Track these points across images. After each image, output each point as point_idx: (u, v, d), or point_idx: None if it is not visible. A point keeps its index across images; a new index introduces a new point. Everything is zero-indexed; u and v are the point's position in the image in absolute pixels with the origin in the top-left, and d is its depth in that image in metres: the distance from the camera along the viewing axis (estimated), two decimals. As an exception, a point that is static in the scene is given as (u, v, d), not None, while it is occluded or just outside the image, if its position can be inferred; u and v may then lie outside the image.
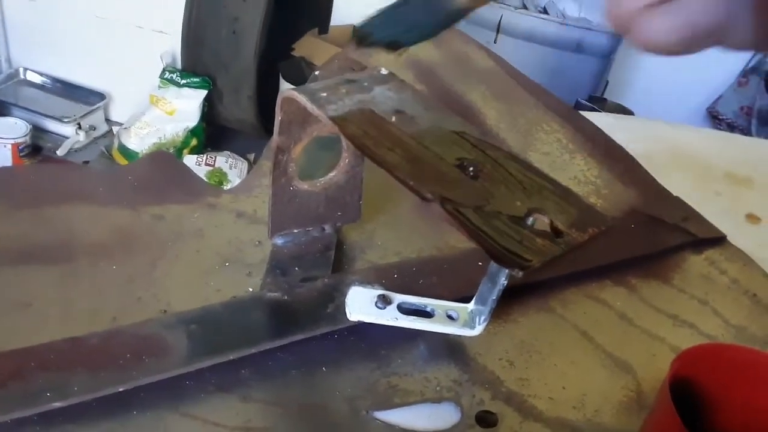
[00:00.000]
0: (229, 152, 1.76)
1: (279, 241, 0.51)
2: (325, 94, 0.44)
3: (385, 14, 0.40)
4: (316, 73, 0.70)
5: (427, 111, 0.45)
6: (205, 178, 1.25)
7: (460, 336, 0.46)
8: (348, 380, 0.42)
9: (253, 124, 1.77)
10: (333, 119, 0.41)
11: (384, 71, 0.49)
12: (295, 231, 0.51)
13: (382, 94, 0.46)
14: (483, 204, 0.37)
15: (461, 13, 0.36)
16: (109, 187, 0.56)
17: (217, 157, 1.70)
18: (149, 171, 0.59)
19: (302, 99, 0.43)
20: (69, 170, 0.68)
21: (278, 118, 0.45)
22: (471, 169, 0.40)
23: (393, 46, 0.40)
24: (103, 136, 1.84)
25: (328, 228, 0.53)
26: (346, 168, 0.51)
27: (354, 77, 0.47)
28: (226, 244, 0.52)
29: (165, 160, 0.61)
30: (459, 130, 0.43)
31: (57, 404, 0.37)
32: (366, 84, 0.46)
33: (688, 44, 0.26)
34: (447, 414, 0.42)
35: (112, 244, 0.50)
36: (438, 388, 0.43)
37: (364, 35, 0.40)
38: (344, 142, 0.49)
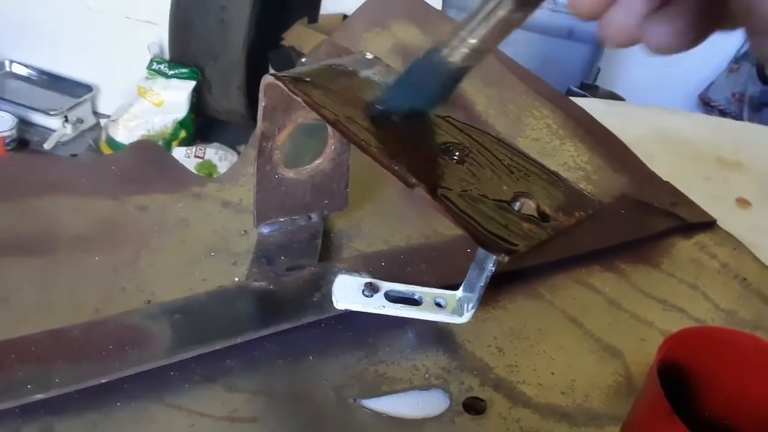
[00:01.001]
0: (218, 144, 1.74)
1: (265, 230, 0.50)
2: (308, 79, 0.43)
3: (395, 86, 0.41)
4: (303, 60, 0.70)
5: (413, 95, 0.45)
6: (194, 171, 1.24)
7: (448, 323, 0.45)
8: (335, 369, 0.42)
9: (243, 115, 1.76)
10: (315, 104, 0.40)
11: (369, 55, 0.48)
12: (281, 220, 0.50)
13: (367, 78, 0.45)
14: (468, 189, 0.37)
15: (462, 72, 0.36)
16: (91, 178, 0.55)
17: (207, 149, 1.68)
18: (133, 161, 0.58)
19: (284, 83, 0.42)
20: (50, 161, 0.67)
21: (262, 103, 0.44)
22: (456, 153, 0.39)
23: (408, 114, 0.41)
24: (91, 128, 1.82)
25: (314, 216, 0.52)
26: (332, 155, 0.50)
27: (339, 62, 0.46)
28: (211, 234, 0.51)
29: (149, 150, 0.60)
30: (444, 115, 0.43)
31: (38, 396, 0.36)
32: (351, 68, 0.46)
33: (697, 40, 0.26)
34: (435, 401, 0.41)
35: (95, 235, 0.50)
36: (426, 376, 0.42)
37: (379, 112, 0.40)
38: (329, 129, 0.49)
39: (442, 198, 0.36)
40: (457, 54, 0.35)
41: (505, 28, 0.33)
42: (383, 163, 0.38)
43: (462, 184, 0.37)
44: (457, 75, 0.37)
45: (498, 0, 0.33)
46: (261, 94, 0.44)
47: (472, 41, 0.34)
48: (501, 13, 0.33)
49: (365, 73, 0.46)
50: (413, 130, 0.41)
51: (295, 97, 0.42)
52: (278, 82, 0.42)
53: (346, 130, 0.39)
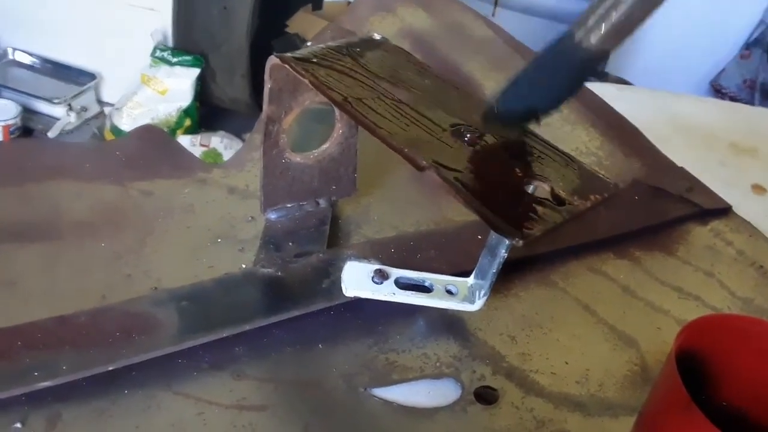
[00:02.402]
0: (224, 132, 1.73)
1: (272, 215, 0.49)
2: (315, 60, 0.42)
3: (515, 85, 0.36)
4: (309, 43, 0.68)
5: (422, 76, 0.44)
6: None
7: (459, 311, 0.45)
8: (344, 357, 0.41)
9: (248, 104, 1.74)
10: (321, 84, 0.39)
11: (377, 36, 0.47)
12: (289, 205, 0.49)
13: (375, 59, 0.44)
14: (480, 171, 0.36)
15: (598, 58, 0.32)
16: (95, 163, 0.54)
17: (212, 138, 1.67)
18: (137, 146, 0.57)
19: (290, 64, 0.41)
20: (53, 146, 0.66)
21: (267, 85, 0.43)
22: (468, 135, 0.38)
23: (529, 117, 0.36)
24: (95, 117, 1.81)
25: (322, 202, 0.51)
26: (340, 139, 0.49)
27: (346, 42, 0.45)
28: (217, 220, 0.51)
29: (154, 135, 0.59)
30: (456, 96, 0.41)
31: (45, 383, 0.36)
32: (358, 49, 0.45)
33: None
34: (447, 390, 0.41)
35: (100, 221, 0.49)
36: (437, 364, 0.42)
37: (496, 113, 0.36)
38: (337, 112, 0.48)
39: (453, 181, 0.35)
40: (594, 35, 0.31)
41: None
42: (392, 146, 0.37)
43: (473, 166, 0.36)
44: (592, 62, 0.33)
45: None
46: (266, 76, 0.43)
47: (615, 16, 0.30)
48: None
49: (373, 54, 0.45)
50: (424, 111, 0.40)
51: (301, 78, 0.41)
52: (284, 63, 0.41)
53: (353, 111, 0.38)
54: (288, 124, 0.46)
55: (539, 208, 0.35)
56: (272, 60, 0.42)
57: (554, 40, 0.34)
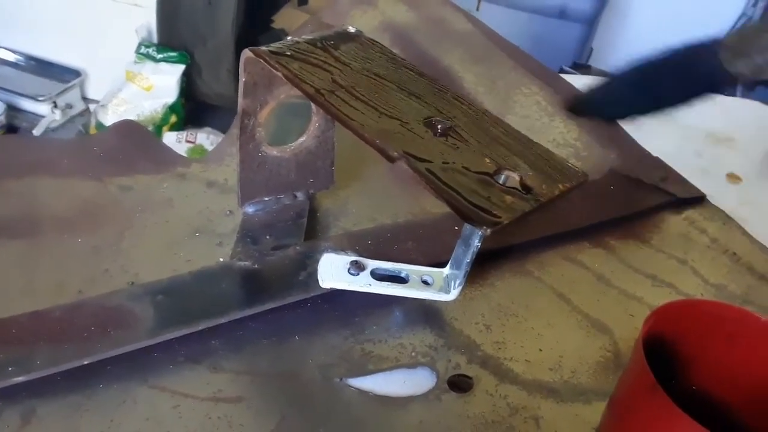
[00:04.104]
0: (210, 128, 1.72)
1: (250, 209, 0.49)
2: (289, 53, 0.43)
3: (610, 87, 0.36)
4: (289, 38, 0.68)
5: (396, 68, 0.44)
6: (186, 156, 1.23)
7: (436, 301, 0.45)
8: (321, 348, 0.42)
9: (234, 99, 1.73)
10: (295, 77, 0.40)
11: (351, 29, 0.47)
12: (266, 199, 0.50)
13: (349, 51, 0.44)
14: (451, 161, 0.36)
15: (727, 84, 0.33)
16: (73, 159, 0.54)
17: (198, 134, 1.66)
18: (116, 141, 0.57)
19: (264, 57, 0.41)
20: (31, 142, 0.66)
21: (242, 79, 0.43)
22: (439, 127, 0.38)
23: (628, 113, 0.36)
24: (80, 114, 1.80)
25: (300, 195, 0.51)
26: (317, 132, 0.49)
27: (320, 36, 0.46)
28: (196, 214, 0.51)
29: (132, 130, 0.59)
30: (435, 83, 0.42)
31: (19, 378, 0.36)
32: (333, 42, 0.45)
33: None
34: (422, 379, 0.41)
35: (78, 217, 0.49)
36: (413, 354, 0.42)
37: (583, 109, 0.36)
38: (314, 105, 0.48)
39: (423, 171, 0.35)
40: (743, 64, 0.31)
41: None
42: (364, 137, 0.37)
43: (444, 157, 0.37)
44: (723, 85, 0.33)
45: None
46: (241, 69, 0.43)
47: None
48: None
49: (347, 46, 0.45)
50: (396, 103, 0.40)
51: (274, 71, 0.41)
52: (258, 57, 0.42)
53: (326, 103, 0.39)
54: (264, 118, 0.46)
55: (508, 198, 0.35)
56: (246, 53, 0.42)
57: (685, 49, 0.33)
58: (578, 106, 0.36)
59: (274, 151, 0.48)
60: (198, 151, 1.63)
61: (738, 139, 0.73)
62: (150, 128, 1.62)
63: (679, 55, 0.34)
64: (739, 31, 0.32)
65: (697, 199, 0.59)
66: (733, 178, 0.66)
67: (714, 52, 0.32)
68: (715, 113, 0.76)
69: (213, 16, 1.63)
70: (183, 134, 1.65)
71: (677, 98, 0.35)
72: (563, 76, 0.79)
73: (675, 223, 0.57)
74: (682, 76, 0.33)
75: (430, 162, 0.36)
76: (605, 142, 0.64)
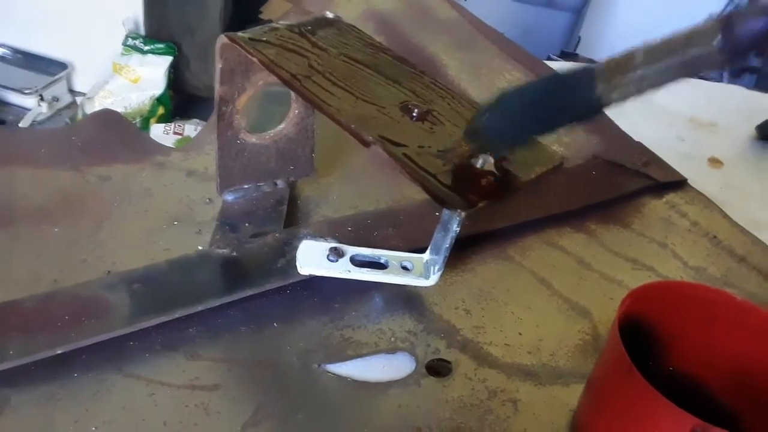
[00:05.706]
0: (198, 120, 1.71)
1: (229, 197, 0.49)
2: (266, 39, 0.42)
3: (503, 105, 0.34)
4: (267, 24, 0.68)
5: (374, 53, 0.44)
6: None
7: (416, 287, 0.45)
8: (300, 335, 0.41)
9: (222, 91, 1.73)
10: (270, 63, 0.39)
11: (330, 15, 0.47)
12: (246, 186, 0.49)
13: (327, 37, 0.44)
14: (427, 145, 0.36)
15: (602, 111, 0.32)
16: (51, 149, 0.54)
17: (186, 126, 1.65)
18: (94, 131, 0.56)
19: (239, 43, 0.40)
20: (7, 133, 0.65)
21: (218, 66, 0.43)
22: (416, 111, 0.38)
23: (515, 140, 0.34)
24: (67, 107, 1.78)
25: (280, 183, 0.51)
26: (296, 120, 0.49)
27: (298, 22, 0.45)
28: (175, 203, 0.50)
29: (111, 120, 0.58)
30: (414, 68, 0.42)
31: (-8, 369, 0.35)
32: (310, 27, 0.44)
33: None
34: (401, 364, 0.41)
35: (55, 207, 0.48)
36: (392, 339, 0.42)
37: (475, 133, 0.35)
38: (293, 92, 0.47)
39: (399, 155, 0.35)
40: (616, 94, 0.30)
41: (691, 68, 0.29)
42: (340, 122, 0.37)
43: (420, 141, 0.36)
44: (598, 113, 0.32)
45: (704, 42, 0.29)
46: (217, 56, 0.43)
47: (644, 86, 0.30)
48: (698, 51, 0.29)
49: (324, 32, 0.45)
50: (374, 88, 0.40)
51: (250, 57, 0.40)
52: (234, 43, 0.41)
53: (301, 89, 0.38)
54: (242, 105, 0.46)
55: (483, 181, 0.35)
56: (222, 39, 0.42)
57: (562, 77, 0.33)
58: (475, 131, 0.35)
59: (253, 139, 0.48)
60: (185, 143, 1.62)
61: (720, 124, 0.73)
62: (137, 120, 1.61)
63: (556, 84, 0.34)
64: (614, 59, 0.32)
65: (679, 184, 0.59)
66: (714, 162, 0.66)
67: (590, 84, 0.31)
68: (699, 98, 0.76)
69: (201, 8, 1.61)
70: (171, 126, 1.64)
71: (550, 126, 0.35)
72: (550, 63, 0.79)
73: (656, 207, 0.57)
74: (557, 105, 0.33)
75: (406, 146, 0.36)
76: (588, 128, 0.64)
